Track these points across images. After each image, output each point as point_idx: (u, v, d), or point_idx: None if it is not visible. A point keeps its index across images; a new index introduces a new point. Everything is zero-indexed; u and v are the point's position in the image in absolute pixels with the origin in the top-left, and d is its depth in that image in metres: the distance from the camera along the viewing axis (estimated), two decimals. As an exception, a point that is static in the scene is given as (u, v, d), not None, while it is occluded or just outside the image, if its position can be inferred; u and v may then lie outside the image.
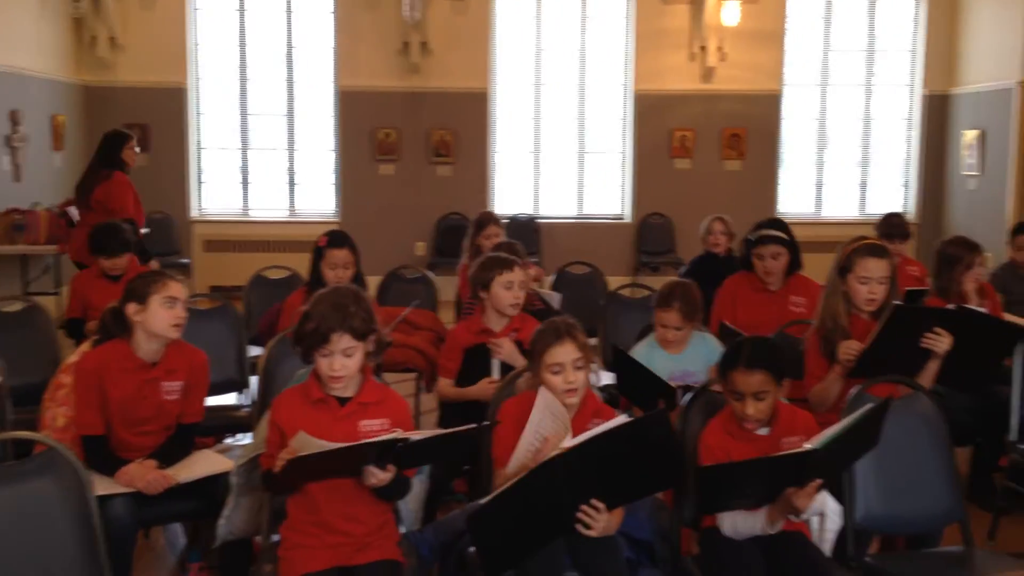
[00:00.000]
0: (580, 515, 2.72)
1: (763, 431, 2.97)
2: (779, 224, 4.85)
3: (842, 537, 3.15)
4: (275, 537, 2.95)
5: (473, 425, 2.82)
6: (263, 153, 10.60)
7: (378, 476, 2.68)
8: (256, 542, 3.21)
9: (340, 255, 4.49)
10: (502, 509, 2.69)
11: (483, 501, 2.77)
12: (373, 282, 5.38)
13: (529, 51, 10.62)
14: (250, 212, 10.62)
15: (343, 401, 2.86)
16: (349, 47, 10.26)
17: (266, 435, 2.88)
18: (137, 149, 6.91)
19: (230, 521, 3.12)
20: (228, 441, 4.38)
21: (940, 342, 3.53)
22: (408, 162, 10.42)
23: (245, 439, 4.23)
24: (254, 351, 4.70)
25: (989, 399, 4.55)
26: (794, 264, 4.75)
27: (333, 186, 10.55)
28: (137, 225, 6.44)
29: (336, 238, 4.62)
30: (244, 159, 10.61)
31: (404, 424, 2.86)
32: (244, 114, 10.56)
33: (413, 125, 10.36)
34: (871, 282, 3.61)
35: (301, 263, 5.16)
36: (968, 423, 4.64)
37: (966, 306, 4.01)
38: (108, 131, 6.91)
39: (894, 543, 3.52)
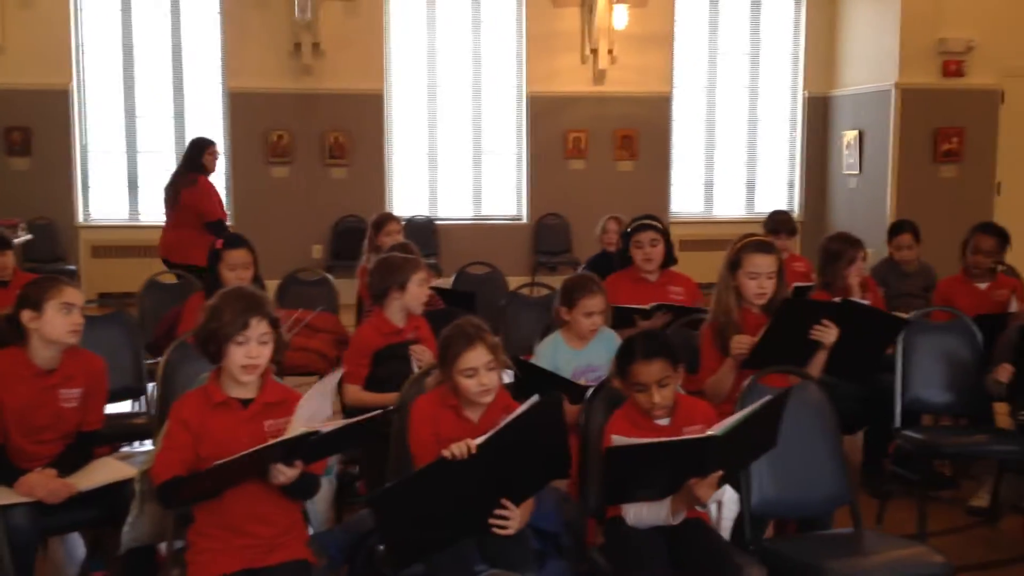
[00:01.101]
0: (494, 520, 2.79)
1: (664, 422, 3.06)
2: (653, 217, 4.99)
3: (739, 523, 3.26)
4: (180, 542, 2.91)
5: (379, 411, 2.85)
6: (151, 156, 10.33)
7: (286, 474, 2.67)
8: (160, 549, 3.16)
9: (239, 255, 4.44)
10: (407, 499, 2.70)
11: (387, 485, 2.79)
12: (271, 286, 5.32)
13: (423, 53, 10.62)
14: (139, 217, 10.35)
15: (246, 403, 2.83)
16: (238, 48, 10.10)
17: (165, 439, 2.82)
18: (218, 153, 7.39)
19: (135, 528, 3.06)
20: (125, 449, 4.29)
21: (827, 334, 3.68)
22: (302, 164, 10.31)
23: (144, 447, 4.15)
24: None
25: (876, 388, 4.75)
26: (669, 258, 4.88)
27: (224, 189, 10.36)
28: (224, 225, 7.02)
29: (233, 239, 4.57)
30: (131, 162, 10.34)
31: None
32: (131, 116, 10.29)
33: (306, 127, 10.26)
34: (760, 277, 3.74)
35: (194, 268, 5.08)
36: (857, 411, 4.84)
37: (851, 299, 4.19)
38: (195, 137, 7.40)
39: (788, 527, 3.65)
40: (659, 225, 4.87)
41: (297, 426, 2.68)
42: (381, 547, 2.94)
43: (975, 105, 9.79)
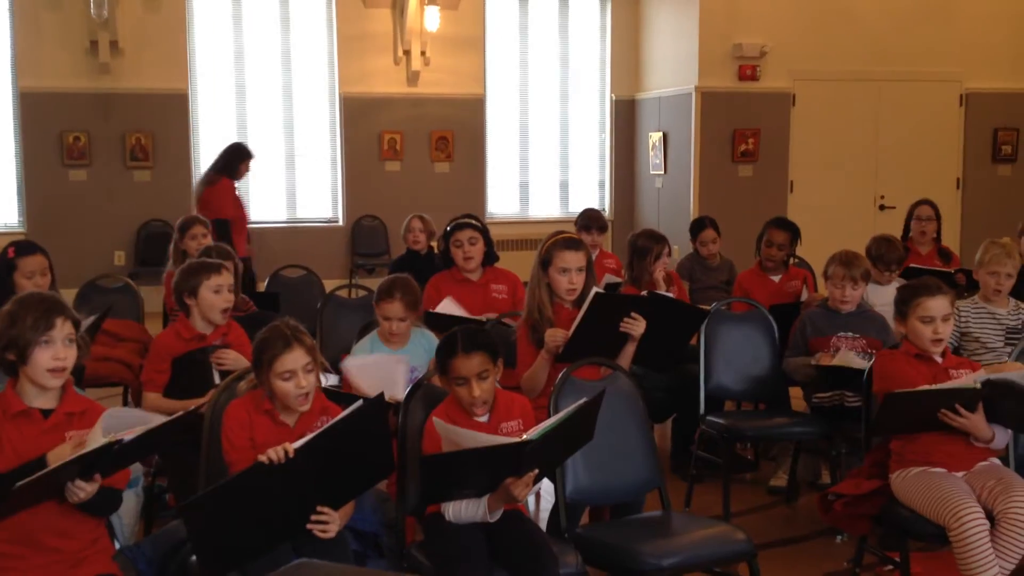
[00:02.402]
0: (312, 526, 2.75)
1: (483, 419, 3.08)
2: (471, 216, 5.05)
3: (555, 511, 3.34)
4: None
5: (185, 412, 2.78)
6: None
7: (85, 489, 2.55)
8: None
9: (34, 262, 4.24)
10: (221, 505, 2.63)
11: (200, 492, 2.71)
12: (68, 295, 5.06)
13: (229, 52, 10.33)
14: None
15: (46, 413, 2.70)
16: (30, 46, 9.54)
17: None
18: (251, 167, 7.94)
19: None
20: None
21: (636, 326, 3.81)
22: (102, 167, 9.83)
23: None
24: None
25: (683, 377, 4.96)
26: (490, 256, 4.94)
27: (16, 193, 9.78)
28: (231, 224, 7.28)
29: (25, 246, 4.34)
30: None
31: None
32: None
33: (106, 128, 9.79)
34: (570, 272, 3.83)
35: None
36: (665, 400, 5.05)
37: (656, 292, 4.36)
38: (236, 142, 8.02)
39: (602, 513, 3.76)
40: (477, 223, 4.91)
41: (96, 437, 2.56)
42: (193, 558, 2.85)
43: (769, 107, 10.35)
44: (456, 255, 4.83)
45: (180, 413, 2.75)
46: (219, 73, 10.31)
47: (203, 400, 3.27)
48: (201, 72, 10.23)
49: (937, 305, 3.47)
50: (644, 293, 4.14)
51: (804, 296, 5.35)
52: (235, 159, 7.75)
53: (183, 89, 10.02)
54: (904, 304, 3.54)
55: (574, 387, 3.44)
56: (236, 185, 7.85)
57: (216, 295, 3.90)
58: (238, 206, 7.69)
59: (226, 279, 3.95)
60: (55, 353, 2.65)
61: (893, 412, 3.37)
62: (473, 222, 4.91)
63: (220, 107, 10.35)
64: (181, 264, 4.39)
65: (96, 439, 2.55)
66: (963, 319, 4.44)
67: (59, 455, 2.57)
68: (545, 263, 3.85)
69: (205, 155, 10.28)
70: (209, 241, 5.39)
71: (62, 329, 2.67)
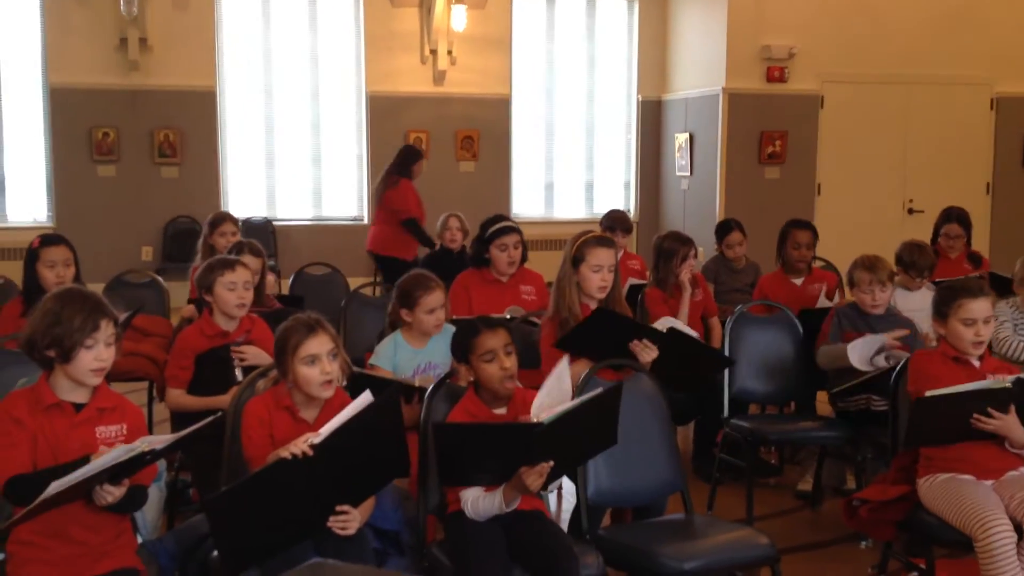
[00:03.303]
0: (332, 523, 2.76)
1: (501, 411, 3.10)
2: (506, 218, 5.06)
3: (576, 512, 3.33)
4: (0, 554, 2.75)
5: (209, 419, 2.78)
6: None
7: (113, 493, 2.58)
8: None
9: (57, 252, 4.29)
10: (243, 502, 2.64)
11: (224, 488, 2.72)
12: (95, 290, 5.09)
13: (259, 51, 10.38)
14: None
15: (78, 407, 2.72)
16: (60, 42, 9.62)
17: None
18: (424, 164, 8.34)
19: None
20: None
21: (646, 353, 3.78)
22: (130, 163, 9.90)
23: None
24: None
25: (707, 381, 4.93)
26: (523, 257, 4.96)
27: (45, 188, 9.87)
28: (420, 222, 7.78)
29: (50, 237, 4.40)
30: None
31: (141, 430, 2.78)
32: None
33: (134, 124, 9.86)
34: (602, 270, 3.85)
35: (11, 272, 4.83)
36: (687, 403, 5.01)
37: (676, 330, 4.25)
38: (406, 144, 8.47)
39: (623, 515, 3.74)
40: (517, 227, 4.95)
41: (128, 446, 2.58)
42: (215, 553, 2.86)
43: (797, 109, 10.28)
44: (500, 258, 4.85)
45: (206, 421, 2.76)
46: (247, 71, 10.36)
47: (225, 398, 3.28)
48: (229, 70, 10.29)
49: (979, 307, 3.41)
50: (663, 328, 4.05)
51: (836, 299, 5.30)
52: (409, 160, 8.04)
53: (211, 86, 10.07)
54: (944, 305, 3.46)
55: (597, 386, 3.42)
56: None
57: (230, 292, 3.91)
58: (419, 205, 7.95)
59: (241, 275, 3.95)
60: (98, 354, 2.68)
61: (924, 419, 3.32)
62: (516, 225, 4.94)
63: (248, 105, 10.41)
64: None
65: (128, 447, 2.57)
66: (1004, 322, 4.39)
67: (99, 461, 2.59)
68: (576, 261, 3.87)
69: (232, 152, 10.35)
70: (238, 238, 5.41)
71: (106, 330, 2.69)
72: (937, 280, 4.99)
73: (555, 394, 2.93)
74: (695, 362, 4.20)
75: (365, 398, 2.78)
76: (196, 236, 5.81)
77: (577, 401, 2.91)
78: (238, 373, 3.81)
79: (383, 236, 7.89)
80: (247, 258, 4.52)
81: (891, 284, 4.54)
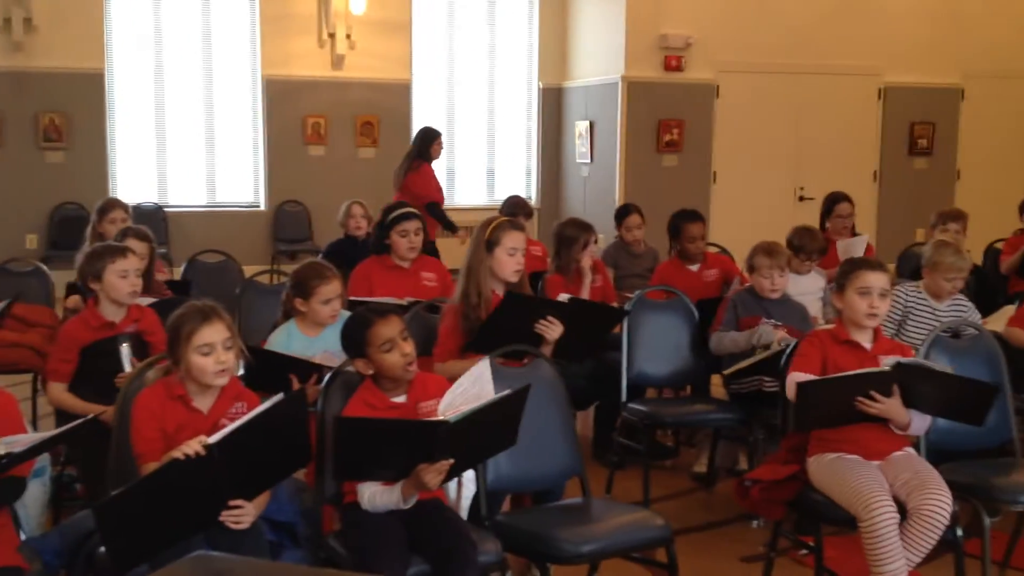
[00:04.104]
0: (225, 516, 2.70)
1: (400, 399, 3.06)
2: (407, 205, 5.02)
3: (476, 499, 3.32)
4: None
5: (86, 418, 2.69)
6: None
7: None
8: None
9: None
10: (134, 504, 2.57)
11: (113, 492, 2.63)
12: (-24, 277, 4.90)
13: (149, 32, 10.08)
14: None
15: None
16: (-63, 20, 9.21)
17: None
18: (443, 144, 8.26)
19: None
20: None
21: (552, 330, 3.83)
22: (14, 148, 9.53)
23: None
24: None
25: (604, 365, 4.98)
26: (424, 244, 4.94)
27: (-76, 174, 9.44)
28: (439, 206, 7.78)
29: None
30: None
31: (13, 423, 2.69)
32: None
33: (18, 108, 9.49)
34: (517, 254, 3.89)
35: None
36: (587, 388, 5.05)
37: (576, 297, 4.35)
38: (425, 127, 8.21)
39: (522, 501, 3.75)
40: (419, 213, 4.92)
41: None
42: (102, 550, 2.77)
43: (693, 98, 10.45)
44: (400, 244, 4.81)
45: (73, 425, 2.67)
46: (137, 52, 10.06)
47: (110, 409, 3.17)
48: (118, 51, 9.97)
49: (875, 279, 3.47)
50: (564, 298, 4.12)
51: (736, 286, 5.39)
52: (427, 142, 8.03)
53: (99, 68, 9.75)
54: (844, 276, 3.53)
55: (498, 374, 3.42)
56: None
57: (122, 279, 3.80)
58: (439, 189, 8.04)
59: (132, 263, 3.84)
60: None
61: (808, 404, 3.40)
62: (416, 211, 4.90)
63: (138, 87, 10.11)
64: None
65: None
66: (902, 303, 4.52)
67: None
68: (491, 244, 3.88)
69: (122, 136, 10.04)
70: (128, 224, 5.25)
71: None
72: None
73: (469, 395, 2.91)
74: (594, 325, 4.23)
75: (275, 398, 2.73)
76: (84, 223, 5.64)
77: (485, 402, 2.88)
78: (126, 365, 3.69)
79: None
80: (132, 242, 4.40)
81: (788, 269, 4.67)
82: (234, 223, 10.29)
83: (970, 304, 4.62)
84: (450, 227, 7.87)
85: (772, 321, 4.53)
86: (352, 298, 4.43)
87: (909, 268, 5.90)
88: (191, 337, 2.86)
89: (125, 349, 3.72)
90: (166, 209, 10.04)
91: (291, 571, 1.91)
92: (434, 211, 7.72)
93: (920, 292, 4.57)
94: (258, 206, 10.55)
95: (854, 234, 6.41)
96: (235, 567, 1.72)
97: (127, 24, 9.98)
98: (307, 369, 3.57)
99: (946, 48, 10.90)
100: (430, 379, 3.17)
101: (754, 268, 4.64)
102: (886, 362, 3.36)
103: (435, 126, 10.65)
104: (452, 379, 3.61)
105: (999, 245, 6.87)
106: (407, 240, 4.81)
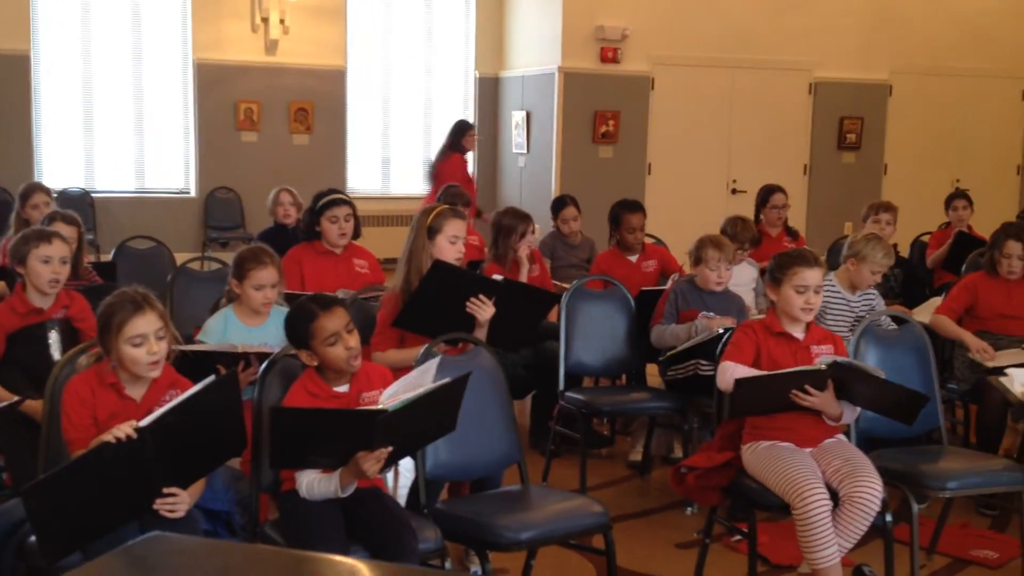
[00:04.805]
0: (159, 505, 2.67)
1: (343, 388, 3.03)
2: (338, 191, 4.98)
3: (414, 487, 3.31)
4: None
5: (3, 404, 2.62)
6: None
7: None
8: None
9: None
10: (63, 489, 2.51)
11: (42, 476, 2.57)
12: None
13: (76, 11, 9.82)
14: None
15: None
16: None
17: None
18: (476, 135, 8.74)
19: None
20: None
21: (483, 310, 3.81)
22: (-67, 130, 9.23)
23: None
24: None
25: (543, 354, 5.00)
26: (356, 231, 4.90)
27: None
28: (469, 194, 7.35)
29: None
30: None
31: None
32: None
33: (-62, 88, 9.19)
34: (459, 242, 3.92)
35: None
36: (525, 377, 5.07)
37: (511, 279, 4.33)
38: (459, 119, 8.67)
39: (461, 489, 3.75)
40: (349, 199, 4.89)
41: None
42: (32, 539, 2.70)
43: (629, 90, 10.51)
44: (331, 231, 4.77)
45: None
46: (63, 33, 9.79)
47: (35, 404, 3.09)
48: (44, 32, 9.70)
49: (812, 276, 3.52)
50: (499, 278, 4.12)
51: (676, 277, 5.44)
52: (459, 135, 8.39)
53: (24, 50, 9.47)
54: (779, 271, 3.55)
55: (438, 363, 3.41)
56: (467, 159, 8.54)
57: (45, 265, 3.71)
58: (467, 179, 8.25)
59: (58, 250, 3.74)
60: None
61: (744, 396, 3.46)
62: (347, 198, 4.86)
63: (64, 69, 9.85)
64: (22, 233, 4.16)
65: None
66: None
67: None
68: (432, 231, 3.87)
69: (47, 119, 9.78)
70: (52, 208, 5.13)
71: None
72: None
73: (410, 384, 2.89)
74: (526, 310, 4.23)
75: (205, 381, 2.68)
76: (8, 207, 5.48)
77: (424, 390, 2.87)
78: (56, 352, 3.60)
79: None
80: (60, 226, 4.29)
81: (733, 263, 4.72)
82: (164, 209, 10.09)
83: (876, 292, 4.71)
84: (476, 214, 7.85)
85: (709, 314, 4.56)
86: (288, 292, 4.38)
87: (838, 261, 6.02)
88: (122, 328, 2.80)
89: (54, 335, 3.63)
90: (93, 195, 9.80)
91: (254, 551, 1.88)
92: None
93: (832, 283, 4.58)
94: (188, 192, 10.35)
95: (787, 226, 6.52)
96: (193, 547, 1.70)
97: (53, 4, 9.71)
98: (231, 360, 3.50)
99: (875, 45, 11.13)
100: (374, 370, 3.14)
101: (701, 260, 4.64)
102: (821, 360, 3.42)
103: (372, 113, 10.64)
104: (392, 368, 3.62)
105: (925, 238, 7.04)
106: (337, 226, 4.78)
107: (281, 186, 6.37)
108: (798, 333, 3.57)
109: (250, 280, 3.76)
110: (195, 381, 2.94)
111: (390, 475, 4.50)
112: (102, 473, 2.59)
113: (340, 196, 4.86)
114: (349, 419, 2.85)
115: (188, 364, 3.17)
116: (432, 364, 2.98)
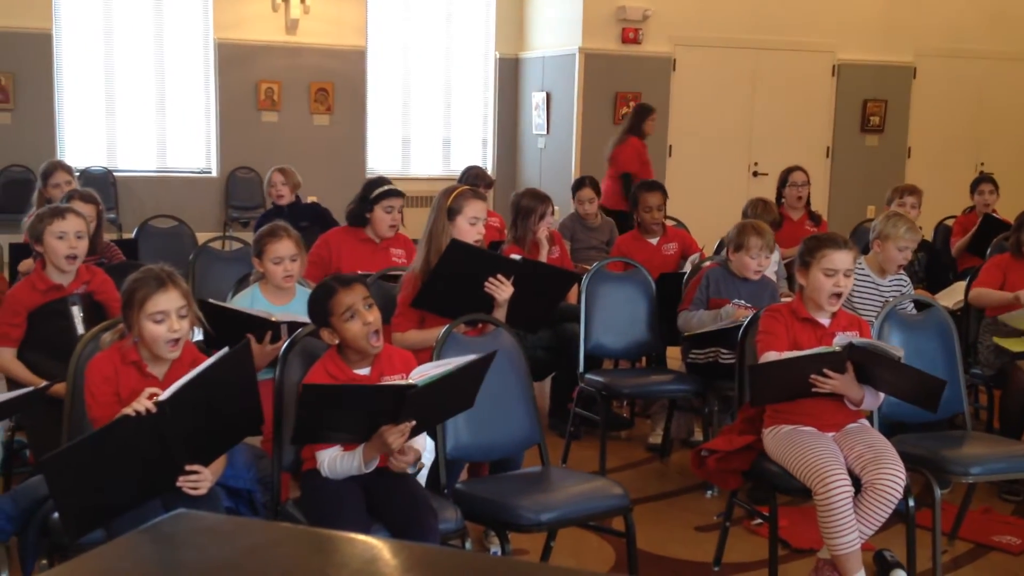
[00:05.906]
0: (183, 482, 2.68)
1: (364, 371, 3.03)
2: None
3: (434, 468, 3.32)
4: None
5: (29, 390, 2.64)
6: None
7: None
8: None
9: None
10: (83, 461, 2.52)
11: (62, 447, 2.58)
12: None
13: (98, -9, 9.84)
14: None
15: None
16: None
17: None
18: (655, 120, 8.54)
19: None
20: None
21: (501, 290, 3.80)
22: (-44, 108, 9.28)
23: None
24: None
25: (563, 336, 4.99)
26: None
27: None
28: (633, 180, 7.34)
29: None
30: None
31: None
32: None
33: (-38, 68, 9.23)
34: (479, 223, 3.91)
35: None
36: (545, 359, 5.07)
37: (529, 259, 4.33)
38: (641, 103, 8.63)
39: (480, 470, 3.76)
40: (402, 192, 4.87)
41: None
42: (55, 515, 2.72)
43: (650, 71, 10.43)
44: (383, 220, 4.76)
45: (17, 394, 2.60)
46: (86, 12, 9.80)
47: (59, 386, 3.10)
48: (66, 11, 9.71)
49: (842, 258, 3.48)
50: (517, 258, 4.10)
51: (695, 259, 5.40)
52: (639, 119, 8.30)
53: (47, 28, 9.49)
54: (808, 254, 3.52)
55: (458, 343, 3.42)
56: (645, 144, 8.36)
57: (60, 241, 3.72)
58: (643, 163, 8.19)
59: (73, 224, 3.75)
60: None
61: (762, 382, 3.43)
62: (400, 191, 4.84)
63: (86, 48, 9.86)
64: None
65: None
66: None
67: None
68: (452, 212, 3.87)
69: (70, 98, 9.81)
70: (74, 187, 5.15)
71: None
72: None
73: (439, 363, 2.91)
74: (545, 291, 4.21)
75: (220, 352, 2.69)
76: (31, 185, 5.54)
77: (453, 366, 2.88)
78: (80, 327, 3.62)
79: (609, 191, 7.85)
80: (78, 204, 4.31)
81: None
82: (185, 189, 10.12)
83: (906, 278, 4.67)
84: (632, 201, 7.85)
85: (740, 302, 4.45)
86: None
87: (861, 244, 5.96)
88: (144, 303, 2.81)
89: (76, 310, 3.65)
90: (115, 173, 9.84)
91: (279, 529, 1.89)
92: (626, 182, 7.81)
93: (863, 267, 4.55)
94: (210, 172, 10.38)
95: (809, 210, 6.46)
96: (219, 524, 1.70)
97: (75, -18, 9.74)
98: (262, 326, 3.53)
99: (899, 26, 10.99)
100: (397, 354, 3.13)
101: (742, 247, 4.49)
102: (838, 341, 3.39)
103: (392, 94, 10.59)
104: (412, 349, 3.62)
105: (949, 222, 6.98)
106: (391, 217, 4.77)
107: (276, 167, 6.33)
108: (824, 319, 3.54)
109: (268, 254, 3.83)
110: (220, 347, 2.96)
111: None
112: (122, 446, 2.60)
113: (394, 188, 4.83)
114: (379, 394, 2.84)
115: (215, 330, 3.19)
116: (468, 358, 2.96)
